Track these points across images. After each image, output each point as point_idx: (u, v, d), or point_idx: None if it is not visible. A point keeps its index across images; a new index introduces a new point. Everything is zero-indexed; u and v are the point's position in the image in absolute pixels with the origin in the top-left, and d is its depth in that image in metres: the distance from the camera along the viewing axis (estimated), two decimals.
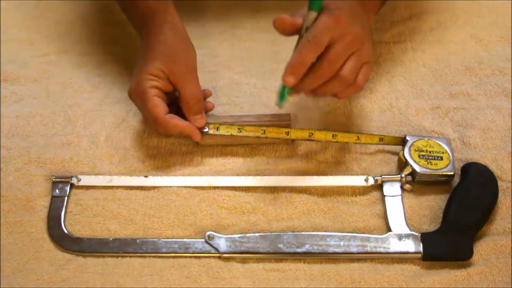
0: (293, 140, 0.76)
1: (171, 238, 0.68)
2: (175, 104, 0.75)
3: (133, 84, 0.73)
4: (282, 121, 0.75)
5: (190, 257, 0.67)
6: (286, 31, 0.69)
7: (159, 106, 0.71)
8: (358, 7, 0.70)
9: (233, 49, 0.86)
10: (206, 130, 0.74)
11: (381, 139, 0.74)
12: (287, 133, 0.73)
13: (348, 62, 0.66)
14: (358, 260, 0.66)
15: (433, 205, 0.70)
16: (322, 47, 0.65)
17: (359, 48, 0.67)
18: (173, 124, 0.72)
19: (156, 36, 0.74)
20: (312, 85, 0.68)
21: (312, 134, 0.73)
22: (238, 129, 0.74)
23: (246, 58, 0.85)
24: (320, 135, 0.73)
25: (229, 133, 0.74)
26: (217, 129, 0.74)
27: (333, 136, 0.73)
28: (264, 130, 0.73)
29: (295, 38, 0.87)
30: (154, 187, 0.73)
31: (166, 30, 0.74)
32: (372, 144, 0.74)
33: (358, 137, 0.73)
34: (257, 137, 0.73)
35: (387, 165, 0.74)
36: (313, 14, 0.66)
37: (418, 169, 0.70)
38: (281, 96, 0.68)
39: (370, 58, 0.70)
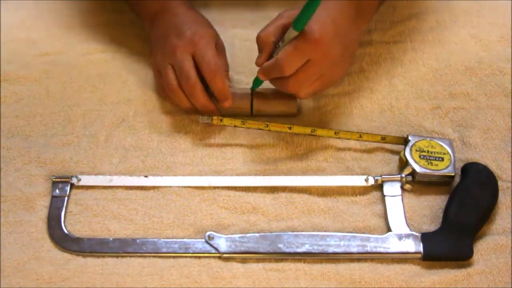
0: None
1: (171, 238, 0.68)
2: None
3: (187, 35, 0.74)
4: (289, 105, 0.77)
5: (190, 257, 0.67)
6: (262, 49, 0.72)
7: (219, 63, 0.74)
8: (349, 13, 0.71)
9: (233, 49, 0.86)
10: (209, 121, 0.75)
11: (383, 138, 0.74)
12: (290, 128, 0.74)
13: (296, 59, 0.68)
14: (358, 260, 0.66)
15: (433, 205, 0.70)
16: (287, 72, 0.68)
17: (325, 65, 0.69)
18: (222, 83, 0.73)
19: (190, 12, 0.79)
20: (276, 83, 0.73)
21: (314, 130, 0.74)
22: (242, 121, 0.74)
23: (246, 58, 0.85)
24: (322, 132, 0.74)
25: (232, 125, 0.74)
26: (221, 120, 0.75)
27: (335, 133, 0.74)
28: (267, 124, 0.74)
29: None
30: (154, 187, 0.73)
31: (196, 10, 0.81)
32: (374, 142, 0.74)
33: (360, 135, 0.74)
34: (260, 129, 0.74)
35: (387, 165, 0.74)
36: (294, 34, 0.67)
37: (418, 169, 0.70)
38: (255, 83, 0.76)
39: (333, 78, 0.73)
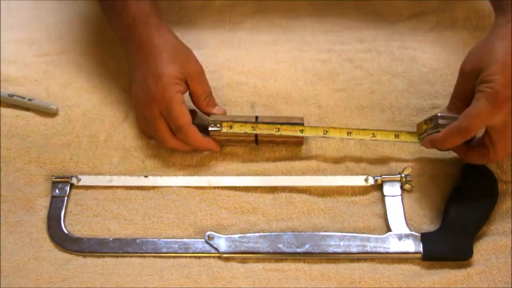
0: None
1: (171, 238, 0.68)
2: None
3: (151, 90, 0.71)
4: (295, 123, 0.74)
5: (190, 257, 0.67)
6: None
7: (187, 114, 0.71)
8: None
9: (233, 49, 0.86)
10: (219, 129, 0.73)
11: (396, 136, 0.73)
12: (301, 131, 0.73)
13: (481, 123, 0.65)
14: (358, 260, 0.66)
15: (433, 205, 0.70)
16: (472, 135, 0.65)
17: None
18: (197, 136, 0.72)
19: (159, 38, 0.73)
20: (477, 162, 0.69)
21: (327, 131, 0.73)
22: (252, 127, 0.73)
23: (246, 58, 0.85)
24: (334, 132, 0.73)
25: (242, 131, 0.73)
26: (231, 127, 0.73)
27: (347, 133, 0.73)
28: (278, 128, 0.73)
29: (295, 38, 0.88)
30: (154, 187, 0.73)
31: (167, 33, 0.75)
32: (387, 141, 0.73)
33: (373, 134, 0.73)
34: (271, 134, 0.73)
35: (387, 165, 0.74)
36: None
37: (439, 113, 0.68)
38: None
39: None
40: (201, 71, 0.75)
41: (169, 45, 0.74)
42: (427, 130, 0.69)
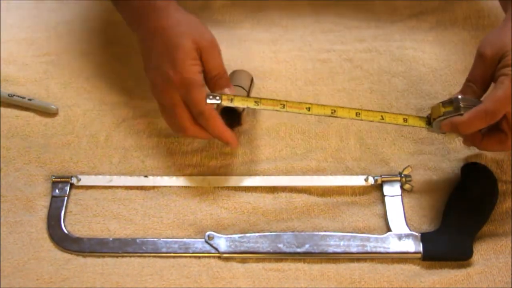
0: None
1: (171, 238, 0.68)
2: None
3: (169, 74, 0.67)
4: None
5: (190, 257, 0.67)
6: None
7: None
8: None
9: (233, 48, 0.86)
10: (218, 102, 0.68)
11: (405, 120, 0.70)
12: (308, 109, 0.69)
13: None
14: (358, 260, 0.66)
15: (433, 205, 0.70)
16: (497, 119, 0.64)
17: None
18: (218, 123, 0.68)
19: (168, 19, 0.70)
20: (493, 149, 0.69)
21: (335, 111, 0.69)
22: (255, 101, 0.69)
23: (246, 58, 0.85)
24: (343, 112, 0.69)
25: (245, 106, 0.69)
26: (231, 100, 0.69)
27: (356, 114, 0.69)
28: (284, 105, 0.69)
29: (295, 38, 0.88)
30: (154, 187, 0.73)
31: (175, 11, 0.72)
32: (396, 124, 0.70)
33: (382, 116, 0.69)
34: (276, 110, 0.69)
35: (387, 165, 0.74)
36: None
37: (459, 96, 0.67)
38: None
39: None
40: (214, 44, 0.71)
41: (177, 22, 0.70)
42: (446, 113, 0.67)
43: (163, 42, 0.69)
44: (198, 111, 0.68)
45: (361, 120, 0.69)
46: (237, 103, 0.69)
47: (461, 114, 0.65)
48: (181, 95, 0.68)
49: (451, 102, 0.67)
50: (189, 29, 0.70)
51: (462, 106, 0.66)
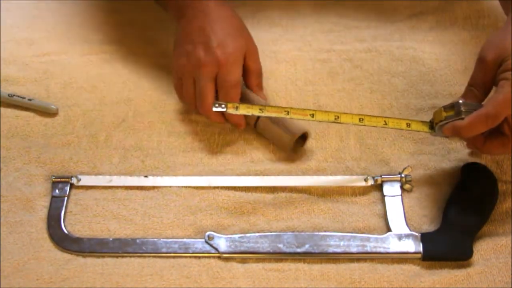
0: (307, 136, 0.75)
1: (171, 238, 0.68)
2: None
3: (216, 52, 0.71)
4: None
5: (190, 257, 0.67)
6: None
7: (239, 86, 0.73)
8: None
9: None
10: (224, 109, 0.72)
11: (408, 125, 0.70)
12: (312, 115, 0.70)
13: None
14: (358, 260, 0.66)
15: (433, 205, 0.70)
16: (498, 123, 0.64)
17: None
18: (236, 100, 0.72)
19: (226, 11, 0.76)
20: (495, 152, 0.70)
21: (338, 117, 0.70)
22: (260, 109, 0.71)
23: None
24: (346, 118, 0.70)
25: (250, 113, 0.72)
26: (236, 108, 0.72)
27: (359, 120, 0.70)
28: (288, 111, 0.70)
29: (295, 38, 0.88)
30: (154, 187, 0.73)
31: (229, 7, 0.77)
32: (399, 129, 0.71)
33: (385, 121, 0.70)
34: (281, 118, 0.72)
35: (387, 165, 0.74)
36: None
37: (460, 100, 0.67)
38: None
39: None
40: (257, 51, 0.77)
41: (234, 19, 0.76)
42: (447, 117, 0.67)
43: (218, 27, 0.74)
44: (228, 93, 0.72)
45: (364, 125, 0.70)
46: (242, 111, 0.72)
47: (463, 118, 0.66)
48: (220, 76, 0.72)
49: (453, 106, 0.67)
50: (242, 31, 0.76)
51: (463, 110, 0.66)
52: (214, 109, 0.72)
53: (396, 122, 0.70)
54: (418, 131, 0.71)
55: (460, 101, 0.67)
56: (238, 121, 0.75)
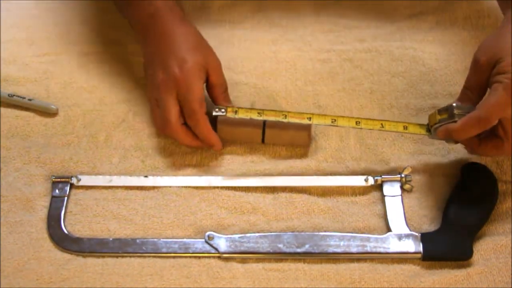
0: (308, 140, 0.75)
1: (171, 238, 0.68)
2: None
3: (175, 72, 0.71)
4: (301, 137, 0.74)
5: (190, 257, 0.67)
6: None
7: (204, 102, 0.72)
8: None
9: (233, 49, 0.86)
10: (224, 113, 0.73)
11: (405, 127, 0.71)
12: (309, 119, 0.72)
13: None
14: (358, 260, 0.66)
15: (433, 205, 0.70)
16: (490, 125, 0.65)
17: None
18: (207, 126, 0.72)
19: (185, 28, 0.75)
20: (490, 154, 0.70)
21: (335, 120, 0.72)
22: (258, 113, 0.72)
23: (246, 58, 0.85)
24: (343, 121, 0.72)
25: (248, 117, 0.72)
26: (236, 112, 0.72)
27: (356, 123, 0.71)
28: (285, 115, 0.72)
29: (295, 38, 0.88)
30: (154, 187, 0.73)
31: (190, 24, 0.76)
32: (396, 132, 0.72)
33: (382, 124, 0.71)
34: (278, 121, 0.72)
35: (387, 165, 0.74)
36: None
37: (454, 103, 0.68)
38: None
39: None
40: (220, 64, 0.76)
41: (193, 35, 0.75)
42: (441, 120, 0.68)
43: (176, 46, 0.73)
44: (191, 109, 0.71)
45: (361, 128, 0.71)
46: (241, 115, 0.72)
47: (456, 121, 0.66)
48: (180, 93, 0.71)
49: (446, 109, 0.68)
50: (202, 46, 0.75)
51: (456, 113, 0.67)
52: (214, 113, 0.73)
53: (393, 125, 0.71)
54: (415, 133, 0.72)
55: (454, 104, 0.67)
56: (213, 142, 0.73)
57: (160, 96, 0.72)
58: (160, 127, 0.74)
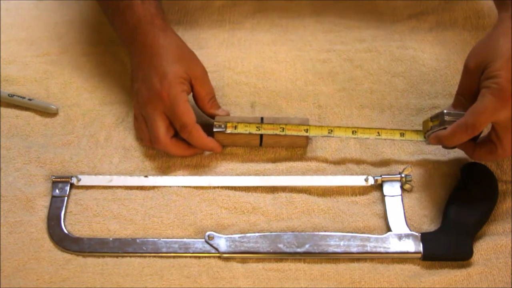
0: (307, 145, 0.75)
1: (171, 238, 0.68)
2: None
3: (156, 87, 0.71)
4: (301, 124, 0.74)
5: (190, 257, 0.67)
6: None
7: (192, 112, 0.71)
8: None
9: (233, 49, 0.86)
10: (224, 129, 0.73)
11: (402, 134, 0.73)
12: (306, 130, 0.73)
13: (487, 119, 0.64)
14: (358, 260, 0.66)
15: (433, 205, 0.70)
16: (478, 132, 0.65)
17: None
18: (201, 135, 0.72)
19: (165, 39, 0.74)
20: (484, 159, 0.69)
21: (332, 130, 0.73)
22: (257, 127, 0.73)
23: (246, 58, 0.85)
24: (339, 132, 0.73)
25: (247, 131, 0.73)
26: (235, 127, 0.74)
27: (353, 132, 0.73)
28: (283, 128, 0.73)
29: (295, 38, 0.88)
30: (154, 187, 0.73)
31: (172, 34, 0.75)
32: (393, 139, 0.73)
33: (378, 132, 0.73)
34: (276, 134, 0.73)
35: (387, 165, 0.74)
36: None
37: (445, 110, 0.68)
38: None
39: None
40: (205, 73, 0.75)
41: (174, 46, 0.74)
42: (433, 127, 0.69)
43: (157, 59, 0.73)
44: (181, 124, 0.71)
45: (357, 137, 0.73)
46: (241, 130, 0.73)
47: (446, 128, 0.67)
48: (165, 109, 0.71)
49: (437, 116, 0.69)
50: (184, 57, 0.74)
51: (446, 120, 0.67)
52: (215, 129, 0.74)
53: (389, 133, 0.73)
54: (412, 140, 0.73)
55: (445, 111, 0.68)
56: (211, 147, 0.74)
57: (146, 112, 0.72)
58: (148, 142, 0.74)
